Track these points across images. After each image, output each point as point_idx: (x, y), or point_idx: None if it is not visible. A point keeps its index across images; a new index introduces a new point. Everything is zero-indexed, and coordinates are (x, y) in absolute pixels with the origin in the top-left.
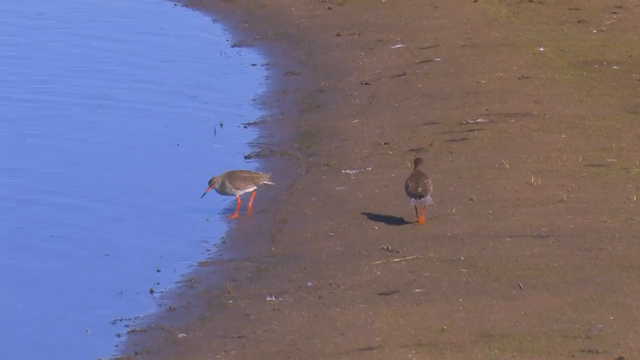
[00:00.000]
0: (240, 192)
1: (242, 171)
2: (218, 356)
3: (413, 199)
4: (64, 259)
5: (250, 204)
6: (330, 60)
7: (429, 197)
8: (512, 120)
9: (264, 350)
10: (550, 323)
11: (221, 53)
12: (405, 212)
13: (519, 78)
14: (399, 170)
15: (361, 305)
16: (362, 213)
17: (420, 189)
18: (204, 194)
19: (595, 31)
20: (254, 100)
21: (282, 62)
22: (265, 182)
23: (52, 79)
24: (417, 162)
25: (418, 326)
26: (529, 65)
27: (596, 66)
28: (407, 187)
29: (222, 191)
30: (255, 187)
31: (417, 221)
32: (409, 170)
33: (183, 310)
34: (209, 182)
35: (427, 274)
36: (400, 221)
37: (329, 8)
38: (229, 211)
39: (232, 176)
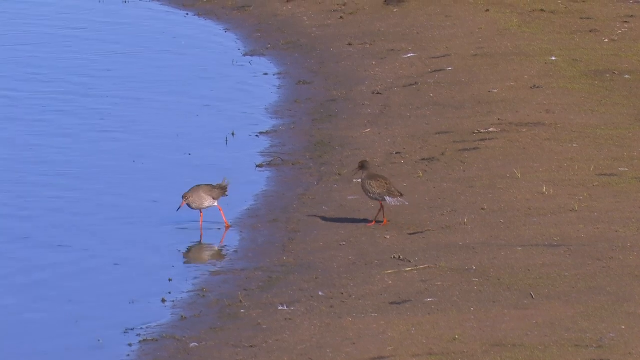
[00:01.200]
0: (215, 203)
1: (206, 184)
2: None
3: (390, 198)
4: (74, 268)
5: (201, 221)
6: (342, 70)
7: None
8: (524, 130)
9: (276, 359)
10: (562, 332)
11: (233, 62)
12: (418, 221)
13: (531, 87)
14: (411, 179)
15: (373, 315)
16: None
17: (394, 188)
18: (179, 208)
19: (607, 40)
20: (266, 109)
21: (294, 71)
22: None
23: (61, 87)
24: (365, 164)
25: (430, 335)
26: (541, 74)
27: (608, 75)
28: (376, 188)
29: (199, 206)
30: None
31: (381, 222)
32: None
33: (195, 319)
34: (183, 197)
35: (439, 283)
36: (413, 231)
37: (341, 17)
38: (240, 221)
39: (205, 189)
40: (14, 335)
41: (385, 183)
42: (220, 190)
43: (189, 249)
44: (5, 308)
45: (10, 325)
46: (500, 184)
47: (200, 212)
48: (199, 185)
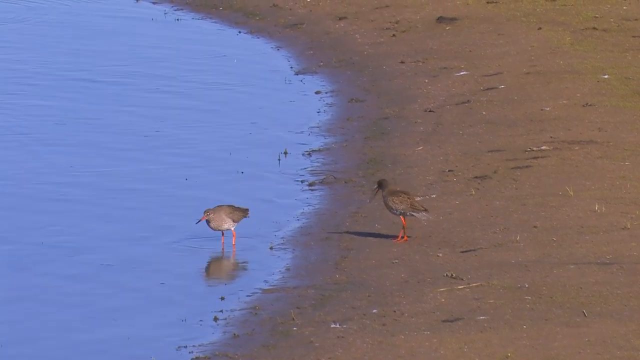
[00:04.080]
0: (235, 225)
1: (230, 205)
2: None
3: (417, 213)
4: (126, 285)
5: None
6: (395, 88)
7: None
8: (576, 148)
9: None
10: (614, 350)
11: (285, 80)
12: (470, 239)
13: (583, 105)
14: (463, 197)
15: (425, 333)
16: (426, 240)
17: (417, 203)
18: (199, 222)
19: None
20: (318, 127)
21: (346, 89)
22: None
23: (111, 104)
24: (383, 182)
25: (482, 353)
26: (593, 92)
27: None
28: (399, 204)
29: (217, 226)
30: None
31: (404, 238)
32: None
33: (247, 337)
34: (205, 212)
35: (491, 301)
36: (465, 249)
37: (393, 35)
38: (292, 239)
39: (226, 210)
40: (66, 354)
41: (407, 198)
42: (242, 213)
43: (241, 267)
44: (57, 326)
45: (62, 344)
46: (553, 202)
47: (222, 233)
48: (222, 206)
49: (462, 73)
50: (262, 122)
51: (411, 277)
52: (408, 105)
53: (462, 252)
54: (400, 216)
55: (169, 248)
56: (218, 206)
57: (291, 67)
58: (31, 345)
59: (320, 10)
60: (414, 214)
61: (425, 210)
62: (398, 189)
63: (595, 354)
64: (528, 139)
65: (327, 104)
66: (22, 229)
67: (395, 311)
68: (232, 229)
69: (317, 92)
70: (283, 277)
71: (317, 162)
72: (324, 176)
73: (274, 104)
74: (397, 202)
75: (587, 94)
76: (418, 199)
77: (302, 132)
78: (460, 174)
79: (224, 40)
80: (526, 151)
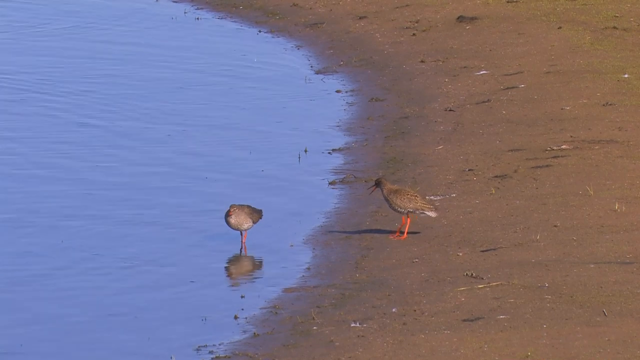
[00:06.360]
0: (252, 226)
1: (249, 206)
2: None
3: (430, 212)
4: (145, 285)
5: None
6: (415, 87)
7: None
8: (596, 147)
9: None
10: (635, 350)
11: (305, 79)
12: (491, 238)
13: (603, 105)
14: (484, 196)
15: (445, 332)
16: (446, 239)
17: (426, 200)
18: (229, 215)
19: None
20: (338, 126)
21: (367, 88)
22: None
23: (133, 103)
24: (380, 181)
25: (502, 352)
26: (613, 92)
27: None
28: (407, 202)
29: (238, 224)
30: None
31: (402, 234)
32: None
33: (267, 336)
34: (231, 206)
35: (512, 300)
36: (486, 248)
37: (414, 34)
38: (312, 238)
39: (247, 211)
40: (86, 353)
41: (415, 196)
42: (258, 215)
43: (261, 266)
44: (77, 325)
45: (82, 343)
46: (573, 201)
47: (241, 233)
48: (243, 205)
49: (482, 72)
50: (283, 121)
51: (431, 276)
52: (428, 104)
53: (482, 251)
54: (403, 215)
55: (188, 246)
56: (241, 205)
57: (311, 67)
58: (51, 345)
59: (341, 9)
60: (425, 212)
61: (435, 208)
62: (397, 187)
63: (616, 353)
64: (548, 138)
65: (347, 103)
66: (46, 229)
67: (415, 310)
68: (248, 230)
69: (337, 91)
70: (303, 276)
71: (338, 161)
72: (345, 175)
73: (294, 103)
74: (405, 200)
75: (607, 93)
76: (437, 198)
77: (322, 131)
78: (480, 173)
79: (244, 40)
80: (546, 150)
